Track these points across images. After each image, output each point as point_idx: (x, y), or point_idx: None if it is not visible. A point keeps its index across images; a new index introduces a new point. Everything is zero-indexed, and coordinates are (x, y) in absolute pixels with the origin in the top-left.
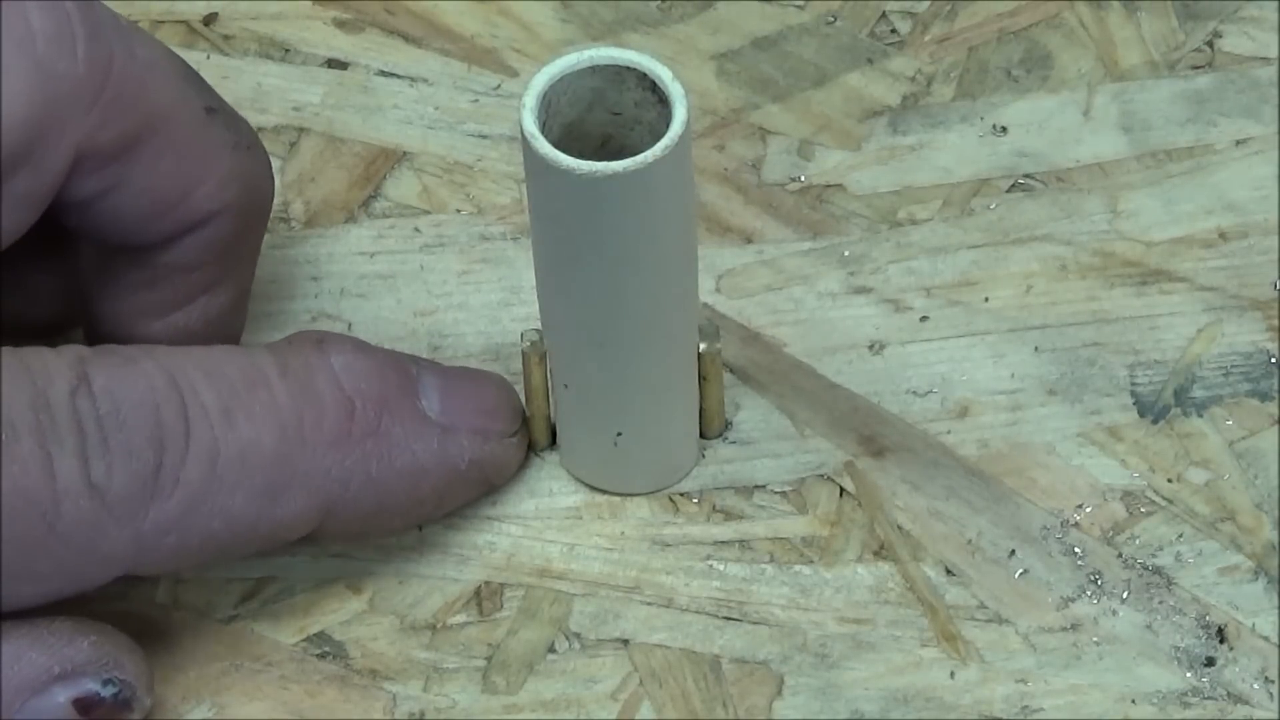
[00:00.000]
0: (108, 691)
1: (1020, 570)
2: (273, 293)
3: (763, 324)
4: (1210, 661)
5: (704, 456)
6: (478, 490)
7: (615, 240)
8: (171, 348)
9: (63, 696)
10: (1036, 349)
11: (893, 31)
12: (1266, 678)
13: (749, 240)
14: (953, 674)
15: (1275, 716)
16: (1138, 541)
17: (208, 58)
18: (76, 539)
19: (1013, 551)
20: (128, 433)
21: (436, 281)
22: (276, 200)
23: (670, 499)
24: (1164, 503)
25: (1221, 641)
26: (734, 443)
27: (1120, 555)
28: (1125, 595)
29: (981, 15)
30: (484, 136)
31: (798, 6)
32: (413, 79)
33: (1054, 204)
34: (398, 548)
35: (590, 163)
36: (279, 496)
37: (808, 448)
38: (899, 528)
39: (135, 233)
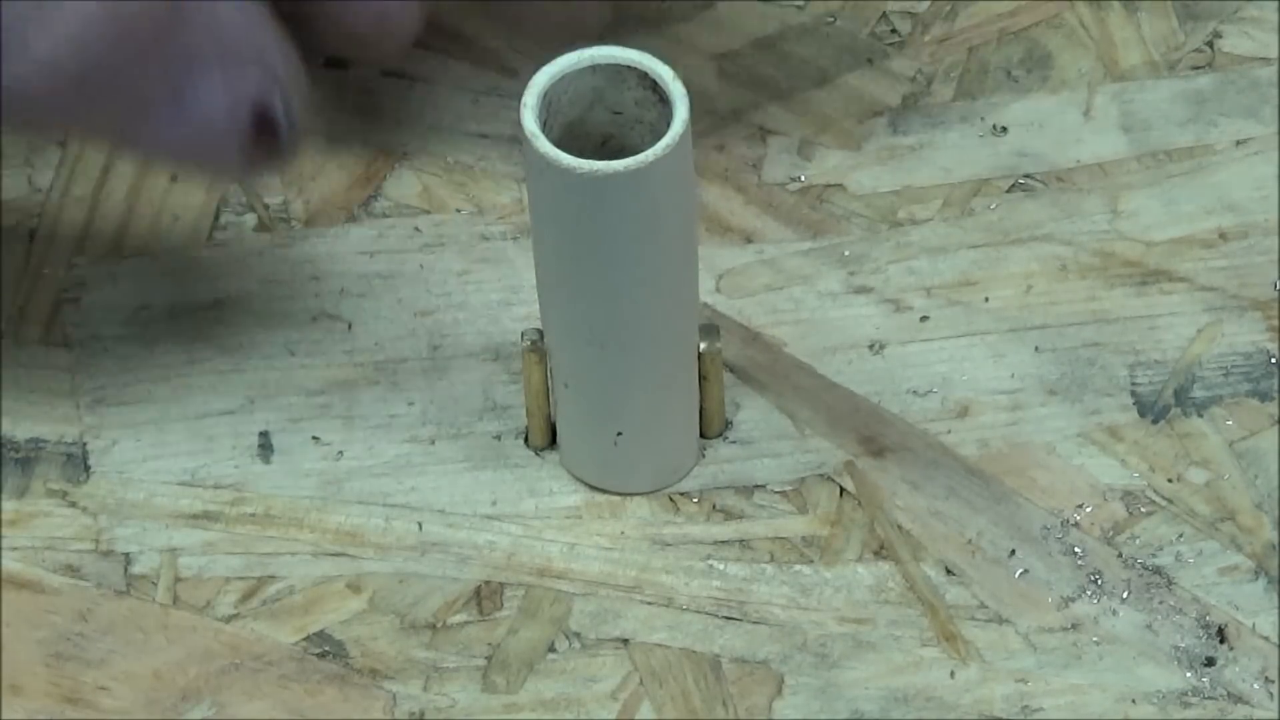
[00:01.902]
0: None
1: (1020, 570)
2: (273, 293)
3: (763, 324)
4: (1210, 661)
5: (704, 456)
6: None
7: (615, 240)
8: None
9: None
10: (1036, 349)
11: (893, 31)
12: (1266, 678)
13: (749, 240)
14: (953, 674)
15: (1275, 716)
16: (1138, 541)
17: None
18: None
19: (1013, 551)
20: None
21: (436, 281)
22: (276, 199)
23: (670, 499)
24: (1164, 503)
25: (1221, 641)
26: (734, 443)
27: (1120, 555)
28: (1125, 595)
29: (981, 15)
30: (484, 136)
31: (798, 6)
32: (413, 79)
33: (1054, 204)
34: (398, 548)
35: (591, 162)
36: None
37: (808, 448)
38: (899, 527)
39: None
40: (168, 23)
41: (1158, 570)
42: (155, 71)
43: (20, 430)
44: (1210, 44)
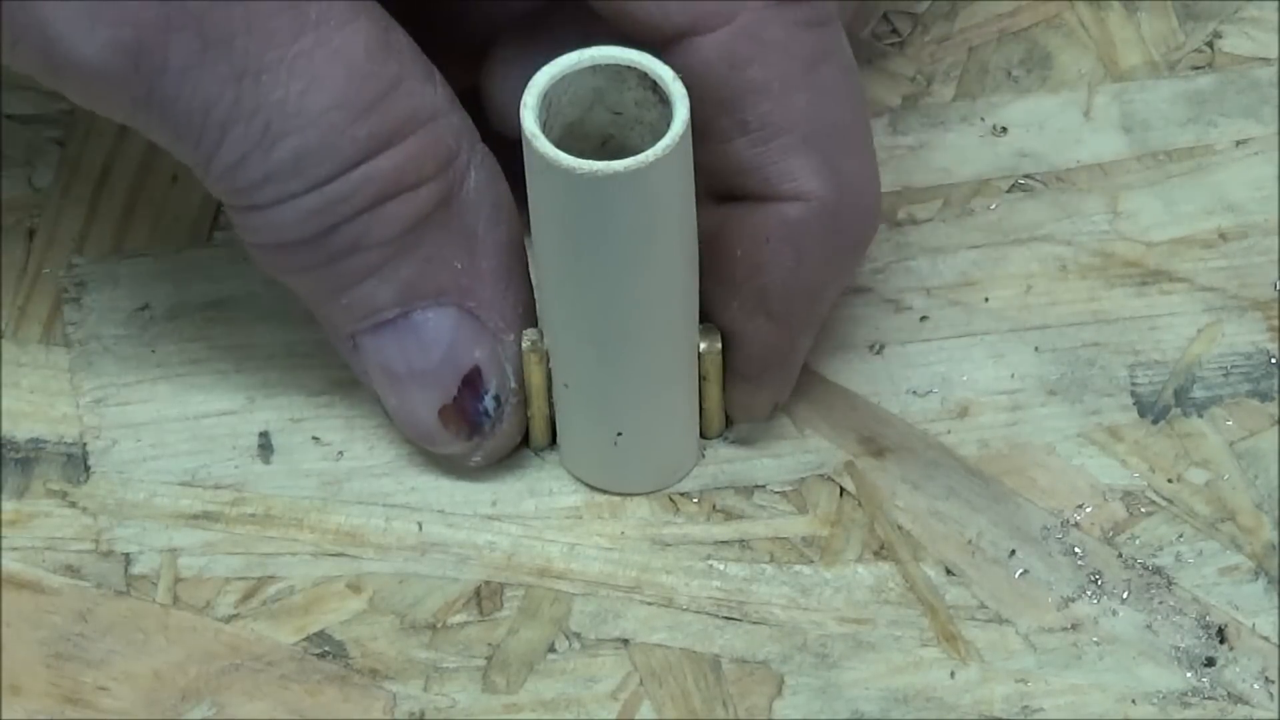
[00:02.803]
0: (489, 405)
1: (1020, 570)
2: (273, 292)
3: None
4: (1210, 661)
5: (704, 456)
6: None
7: (615, 240)
8: None
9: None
10: (1036, 349)
11: (893, 31)
12: (1266, 678)
13: None
14: (953, 674)
15: (1275, 716)
16: (1138, 541)
17: None
18: None
19: (1013, 551)
20: None
21: None
22: None
23: (670, 499)
24: (1164, 503)
25: (1221, 641)
26: (734, 443)
27: (1120, 555)
28: (1125, 595)
29: (981, 15)
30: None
31: None
32: None
33: (1054, 204)
34: (398, 548)
35: (591, 162)
36: None
37: (808, 448)
38: (899, 528)
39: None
40: (441, 219)
41: (1158, 570)
42: (400, 265)
43: (20, 430)
44: (1210, 44)
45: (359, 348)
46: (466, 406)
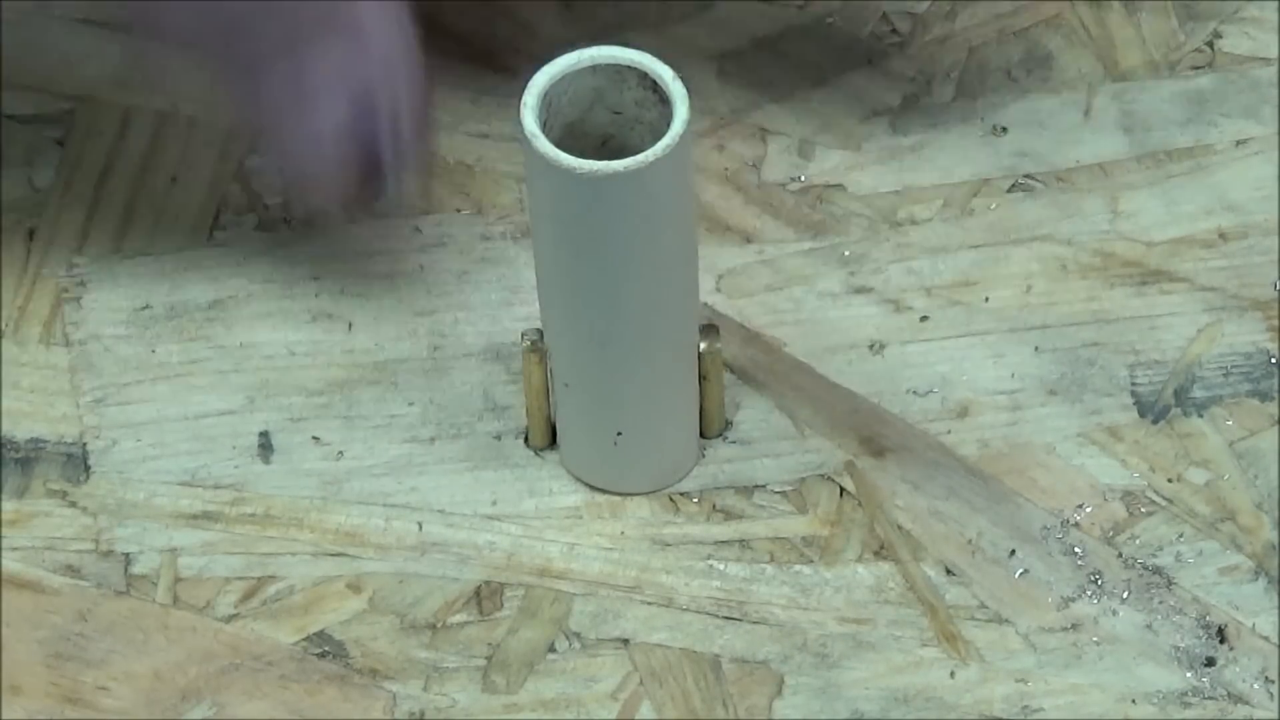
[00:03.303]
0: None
1: (1020, 570)
2: (273, 293)
3: (763, 324)
4: (1210, 661)
5: (704, 456)
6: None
7: (615, 240)
8: None
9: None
10: (1036, 349)
11: (893, 31)
12: (1266, 678)
13: (749, 240)
14: (953, 674)
15: (1275, 716)
16: (1138, 541)
17: None
18: None
19: (1013, 551)
20: None
21: (436, 281)
22: (276, 200)
23: (670, 499)
24: (1164, 503)
25: (1221, 641)
26: (734, 443)
27: (1120, 555)
28: (1125, 595)
29: (981, 15)
30: (484, 136)
31: (798, 6)
32: None
33: (1054, 204)
34: (398, 548)
35: (591, 162)
36: None
37: (808, 448)
38: (899, 528)
39: None
40: None
41: (1158, 570)
42: (280, 19)
43: (20, 430)
44: (1210, 44)
45: (255, 86)
46: (361, 130)
